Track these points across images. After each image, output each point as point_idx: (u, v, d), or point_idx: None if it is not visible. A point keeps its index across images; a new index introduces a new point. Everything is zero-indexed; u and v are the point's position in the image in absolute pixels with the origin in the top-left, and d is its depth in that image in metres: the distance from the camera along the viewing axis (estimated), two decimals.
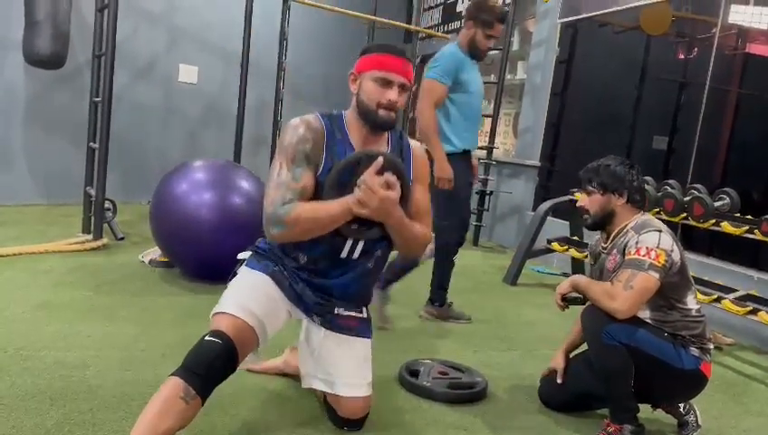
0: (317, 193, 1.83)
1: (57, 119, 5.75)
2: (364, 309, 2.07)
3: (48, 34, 4.84)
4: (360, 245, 1.90)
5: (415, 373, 2.46)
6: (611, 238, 2.20)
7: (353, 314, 2.01)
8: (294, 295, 1.93)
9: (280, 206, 1.77)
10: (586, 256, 2.31)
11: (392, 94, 1.83)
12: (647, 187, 3.45)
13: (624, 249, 2.09)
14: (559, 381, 2.32)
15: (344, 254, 1.90)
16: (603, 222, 2.21)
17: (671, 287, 2.07)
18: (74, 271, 3.57)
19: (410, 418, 2.18)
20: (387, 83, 1.84)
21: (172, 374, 1.64)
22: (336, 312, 1.97)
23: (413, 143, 2.05)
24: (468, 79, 3.21)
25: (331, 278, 1.93)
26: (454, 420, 2.21)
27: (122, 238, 4.44)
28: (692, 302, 2.13)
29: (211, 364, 1.66)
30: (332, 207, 1.78)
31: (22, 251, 3.78)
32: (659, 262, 1.99)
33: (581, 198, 2.25)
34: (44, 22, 4.81)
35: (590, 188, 2.20)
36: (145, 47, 6.27)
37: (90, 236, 4.24)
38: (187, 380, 1.61)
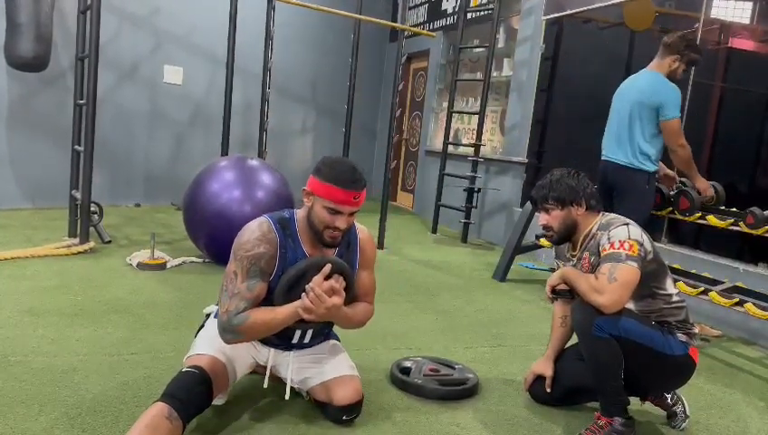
0: (268, 294, 1.95)
1: (41, 122, 5.70)
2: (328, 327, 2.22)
3: (30, 37, 4.80)
4: (309, 332, 2.07)
5: (406, 371, 2.47)
6: (580, 245, 2.22)
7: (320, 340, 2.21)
8: (260, 340, 2.08)
9: (234, 316, 1.88)
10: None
11: (341, 223, 1.91)
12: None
13: (598, 249, 2.11)
14: (548, 390, 2.33)
15: (295, 340, 2.07)
16: (568, 234, 2.23)
17: (650, 275, 2.09)
18: (61, 275, 3.54)
19: (402, 415, 2.19)
20: (337, 212, 1.90)
21: (155, 401, 1.76)
22: (306, 340, 2.12)
23: (360, 232, 2.13)
24: None
25: (288, 342, 2.09)
26: (445, 416, 2.21)
27: (109, 241, 4.41)
28: (671, 287, 2.17)
29: (191, 389, 1.82)
30: (282, 314, 1.91)
31: (7, 256, 3.75)
32: (634, 252, 2.02)
33: (541, 217, 2.26)
34: (26, 24, 4.76)
35: (548, 205, 2.22)
36: (129, 49, 6.22)
37: (76, 240, 4.20)
38: (170, 403, 1.75)
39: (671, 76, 3.41)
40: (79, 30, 4.34)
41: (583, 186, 2.20)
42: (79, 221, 4.24)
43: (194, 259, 4.12)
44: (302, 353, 2.12)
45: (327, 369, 2.09)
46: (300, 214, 2.01)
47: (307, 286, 1.87)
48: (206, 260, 4.13)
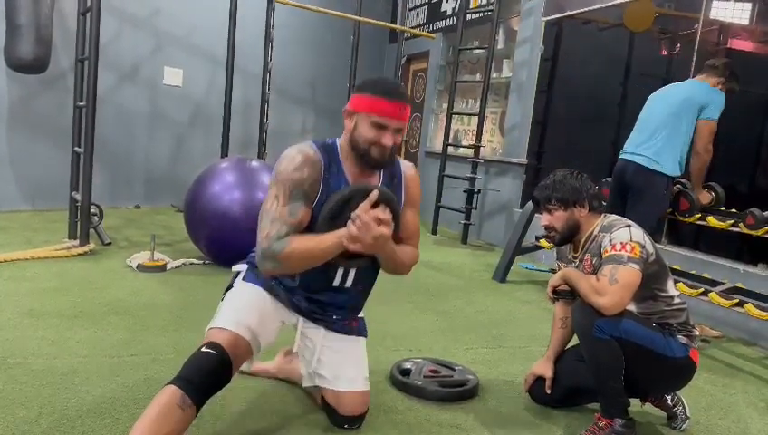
0: (310, 223, 1.84)
1: (41, 124, 5.70)
2: (360, 312, 2.13)
3: (30, 39, 4.80)
4: (352, 273, 1.95)
5: (406, 372, 2.47)
6: (582, 246, 2.22)
7: (351, 319, 2.09)
8: (290, 304, 1.98)
9: (275, 241, 1.76)
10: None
11: (387, 139, 1.80)
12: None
13: (600, 251, 2.11)
14: (548, 391, 2.33)
15: (336, 283, 1.95)
16: (571, 235, 2.23)
17: (652, 277, 2.09)
18: (61, 277, 3.54)
19: (402, 417, 2.18)
20: (382, 127, 1.79)
21: (168, 383, 1.66)
22: (334, 318, 2.03)
23: (405, 167, 2.05)
24: None
25: (325, 298, 1.99)
26: (445, 418, 2.21)
27: (109, 243, 4.41)
28: (672, 289, 2.17)
29: (207, 374, 1.69)
30: (325, 242, 1.77)
31: (7, 258, 3.74)
32: (635, 254, 2.02)
33: (543, 218, 2.26)
34: (26, 26, 4.76)
35: (551, 206, 2.21)
36: (129, 50, 6.23)
37: (76, 242, 4.20)
38: (184, 388, 1.64)
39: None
40: (79, 31, 4.34)
41: (586, 187, 2.20)
42: (79, 223, 4.23)
43: (194, 261, 4.12)
44: (330, 337, 2.02)
45: (342, 378, 2.00)
46: (341, 141, 1.90)
47: (353, 214, 1.72)
48: (207, 262, 4.13)
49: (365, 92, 1.81)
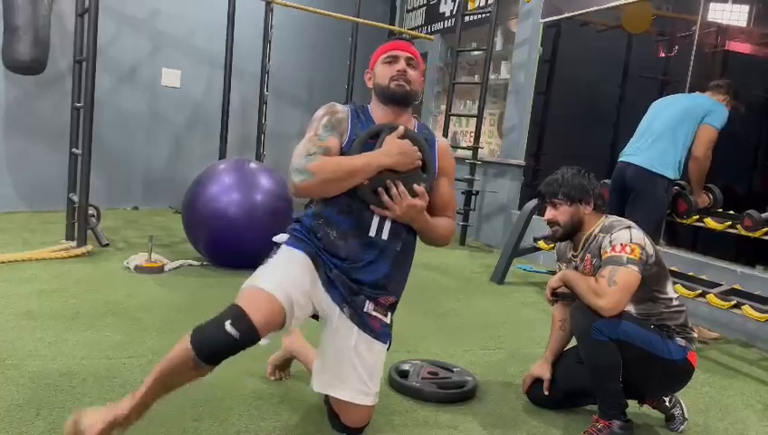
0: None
1: (39, 125, 5.69)
2: (389, 314, 2.02)
3: (28, 40, 4.79)
4: (388, 225, 1.92)
5: (404, 374, 2.46)
6: (582, 245, 2.23)
7: (380, 316, 1.97)
8: (328, 281, 1.90)
9: (305, 157, 1.84)
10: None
11: (400, 65, 1.96)
12: None
13: (599, 251, 2.12)
14: (546, 393, 2.33)
15: (372, 232, 1.91)
16: (573, 231, 2.24)
17: (652, 279, 2.10)
18: (58, 278, 3.53)
19: (400, 419, 2.18)
20: (393, 60, 1.98)
21: (190, 338, 1.65)
22: (365, 309, 1.94)
23: (439, 138, 2.11)
24: None
25: (362, 262, 1.91)
26: (444, 419, 2.21)
27: (107, 245, 4.40)
28: (671, 291, 2.17)
29: (225, 353, 1.65)
30: (356, 158, 1.85)
31: (5, 259, 3.74)
32: (636, 255, 2.03)
33: (548, 211, 2.26)
34: (24, 27, 4.76)
35: (557, 200, 2.22)
36: (127, 52, 6.22)
37: (74, 243, 4.20)
38: (200, 356, 1.62)
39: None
40: (77, 33, 4.34)
41: (593, 185, 2.21)
42: (76, 224, 4.23)
43: (192, 262, 4.11)
44: (361, 340, 1.91)
45: (352, 389, 1.91)
46: (371, 105, 2.06)
47: (388, 182, 1.84)
48: (205, 263, 4.13)
49: (376, 52, 2.05)
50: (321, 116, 1.95)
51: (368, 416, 1.99)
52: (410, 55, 1.99)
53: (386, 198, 1.84)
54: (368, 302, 1.94)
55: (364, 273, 1.92)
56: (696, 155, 3.43)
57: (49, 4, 5.00)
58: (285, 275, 1.82)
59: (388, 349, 2.01)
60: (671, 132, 3.46)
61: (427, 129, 2.10)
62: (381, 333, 1.97)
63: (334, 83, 7.07)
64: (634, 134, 3.69)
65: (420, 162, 1.91)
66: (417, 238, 2.04)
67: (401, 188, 1.84)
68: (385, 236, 1.92)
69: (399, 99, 1.97)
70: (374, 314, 1.96)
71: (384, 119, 1.98)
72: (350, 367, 1.91)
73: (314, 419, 2.10)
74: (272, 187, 4.03)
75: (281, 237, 1.99)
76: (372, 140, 1.90)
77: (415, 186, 1.87)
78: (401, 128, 1.91)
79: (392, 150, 1.85)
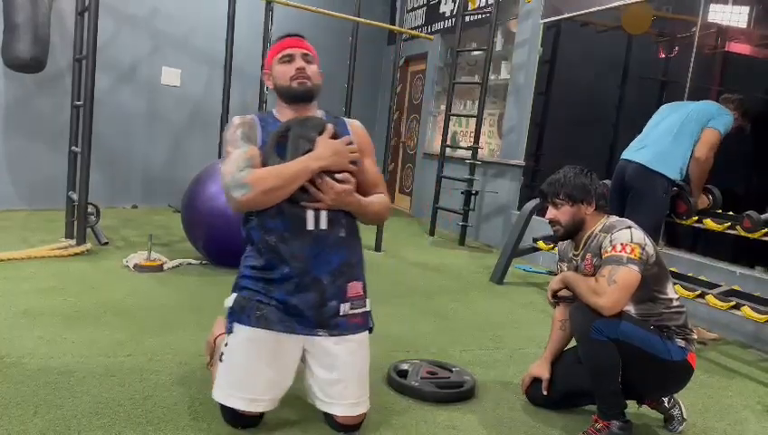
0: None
1: (38, 123, 5.69)
2: (367, 302, 2.04)
3: (28, 38, 4.79)
4: (324, 215, 1.92)
5: (403, 374, 2.46)
6: (583, 244, 2.23)
7: (359, 310, 1.99)
8: (290, 319, 1.90)
9: (237, 172, 1.85)
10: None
11: (298, 63, 1.99)
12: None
13: (600, 251, 2.12)
14: (544, 392, 2.33)
15: (310, 225, 1.90)
16: (575, 230, 2.24)
17: (652, 279, 2.10)
18: (58, 277, 3.53)
19: (399, 418, 2.18)
20: (290, 59, 2.01)
21: None
22: (342, 313, 1.95)
23: (349, 121, 2.15)
24: None
25: (310, 260, 1.90)
26: (443, 419, 2.21)
27: (106, 243, 4.40)
28: (671, 291, 2.17)
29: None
30: (290, 166, 1.87)
31: (4, 257, 3.73)
32: (635, 255, 2.02)
33: (549, 211, 2.26)
34: (24, 25, 4.76)
35: (558, 200, 2.22)
36: (127, 50, 6.22)
37: (73, 242, 4.19)
38: None
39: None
40: (76, 31, 4.33)
41: (595, 185, 2.21)
42: (76, 222, 4.23)
43: (191, 261, 4.11)
44: (324, 340, 1.93)
45: (344, 405, 1.96)
46: (275, 109, 2.10)
47: (316, 179, 1.86)
48: (204, 262, 4.12)
49: (270, 51, 2.11)
50: (233, 132, 1.96)
51: (363, 417, 2.02)
52: (305, 51, 2.04)
53: (313, 189, 1.87)
54: (341, 305, 1.96)
55: (318, 268, 1.91)
56: (698, 156, 3.43)
57: (49, 2, 5.00)
58: (254, 383, 1.91)
59: (370, 332, 2.06)
60: (675, 134, 3.47)
61: (335, 116, 2.14)
62: (365, 323, 2.03)
63: (334, 83, 7.05)
64: (639, 135, 3.70)
65: (353, 161, 1.95)
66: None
67: (325, 177, 1.87)
68: (324, 226, 1.92)
69: (303, 96, 2.02)
70: (352, 312, 1.98)
71: (291, 117, 2.01)
72: (342, 387, 1.95)
73: (313, 415, 2.09)
74: None
75: (230, 300, 1.97)
76: (283, 138, 1.92)
77: (336, 175, 1.90)
78: (330, 127, 1.95)
79: (325, 153, 1.88)
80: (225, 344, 1.96)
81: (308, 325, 1.92)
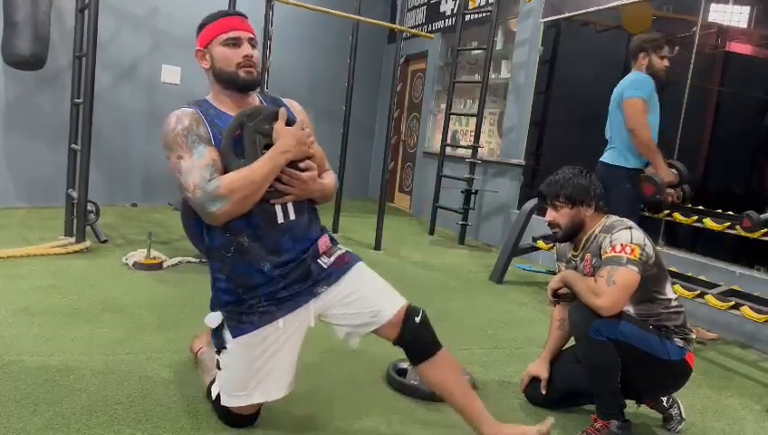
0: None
1: (38, 120, 5.68)
2: (336, 244, 2.04)
3: (28, 35, 4.78)
4: (290, 206, 1.90)
5: (402, 372, 2.46)
6: (582, 245, 2.23)
7: (337, 254, 1.98)
8: (287, 301, 1.88)
9: (206, 184, 1.75)
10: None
11: (246, 50, 1.88)
12: None
13: (599, 251, 2.11)
14: (543, 392, 2.33)
15: (280, 218, 1.88)
16: (574, 232, 2.24)
17: (651, 279, 2.10)
18: (57, 274, 3.53)
19: (398, 417, 2.18)
20: (236, 42, 1.89)
21: None
22: (326, 266, 1.93)
23: (288, 100, 2.09)
24: (654, 102, 3.48)
25: (287, 251, 1.89)
26: (441, 418, 2.21)
27: (106, 241, 4.40)
28: (670, 292, 2.17)
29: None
30: (258, 166, 1.78)
31: (3, 255, 3.73)
32: (635, 256, 2.02)
33: (549, 213, 2.26)
34: (24, 23, 4.74)
35: (558, 202, 2.22)
36: (127, 48, 6.21)
37: (72, 239, 4.19)
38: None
39: (654, 68, 3.49)
40: (76, 28, 4.33)
41: (594, 187, 2.21)
42: (75, 220, 4.22)
43: (190, 259, 4.11)
44: (328, 293, 1.92)
45: (378, 307, 1.91)
46: (209, 94, 1.98)
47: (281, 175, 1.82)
48: (203, 260, 4.12)
49: (206, 26, 1.94)
50: (180, 132, 1.82)
51: (404, 306, 1.95)
52: (252, 35, 1.93)
53: (280, 186, 1.82)
54: (320, 261, 1.94)
55: (294, 255, 1.89)
56: (630, 129, 3.41)
57: None
58: (266, 380, 1.89)
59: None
60: (612, 124, 3.57)
61: (272, 97, 2.09)
62: (351, 258, 2.00)
63: (334, 82, 7.07)
64: None
65: (311, 145, 1.90)
66: None
67: (289, 170, 1.83)
68: (292, 216, 1.90)
69: (250, 86, 1.94)
70: (333, 259, 1.96)
71: (233, 107, 1.92)
72: (370, 299, 1.93)
73: (313, 415, 2.10)
74: None
75: (214, 320, 1.92)
76: (238, 133, 1.83)
77: (300, 164, 1.86)
78: (282, 111, 1.87)
79: (289, 143, 1.81)
80: (219, 357, 1.94)
81: (306, 293, 1.90)
